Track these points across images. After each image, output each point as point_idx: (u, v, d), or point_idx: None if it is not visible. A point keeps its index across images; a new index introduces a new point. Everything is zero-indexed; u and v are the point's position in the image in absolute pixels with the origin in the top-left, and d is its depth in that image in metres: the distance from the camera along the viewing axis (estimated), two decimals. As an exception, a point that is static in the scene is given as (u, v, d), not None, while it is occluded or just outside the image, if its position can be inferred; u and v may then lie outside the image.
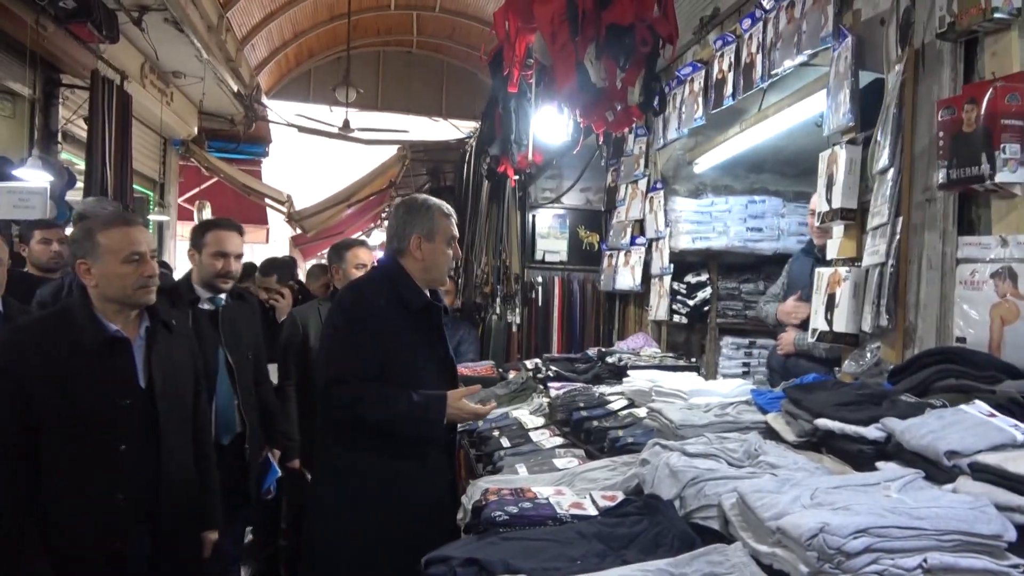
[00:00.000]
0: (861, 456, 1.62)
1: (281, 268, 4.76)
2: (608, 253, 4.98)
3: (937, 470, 1.44)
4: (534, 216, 6.60)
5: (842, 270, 2.52)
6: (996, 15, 1.88)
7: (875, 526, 1.19)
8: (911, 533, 1.20)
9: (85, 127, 6.22)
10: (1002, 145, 1.83)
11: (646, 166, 4.52)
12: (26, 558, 2.00)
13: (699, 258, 4.39)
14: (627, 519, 1.62)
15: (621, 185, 4.81)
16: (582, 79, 2.60)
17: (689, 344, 4.51)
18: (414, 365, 2.40)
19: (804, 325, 2.98)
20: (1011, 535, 1.21)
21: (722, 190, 4.47)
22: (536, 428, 2.83)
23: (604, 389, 3.24)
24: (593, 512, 1.74)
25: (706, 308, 4.34)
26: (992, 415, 1.53)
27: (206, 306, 3.08)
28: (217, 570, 2.87)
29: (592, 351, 4.09)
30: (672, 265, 4.27)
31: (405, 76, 11.71)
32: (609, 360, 3.71)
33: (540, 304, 6.39)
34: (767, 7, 3.14)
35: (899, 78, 2.27)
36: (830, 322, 2.54)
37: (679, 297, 4.30)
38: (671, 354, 3.94)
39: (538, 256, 6.62)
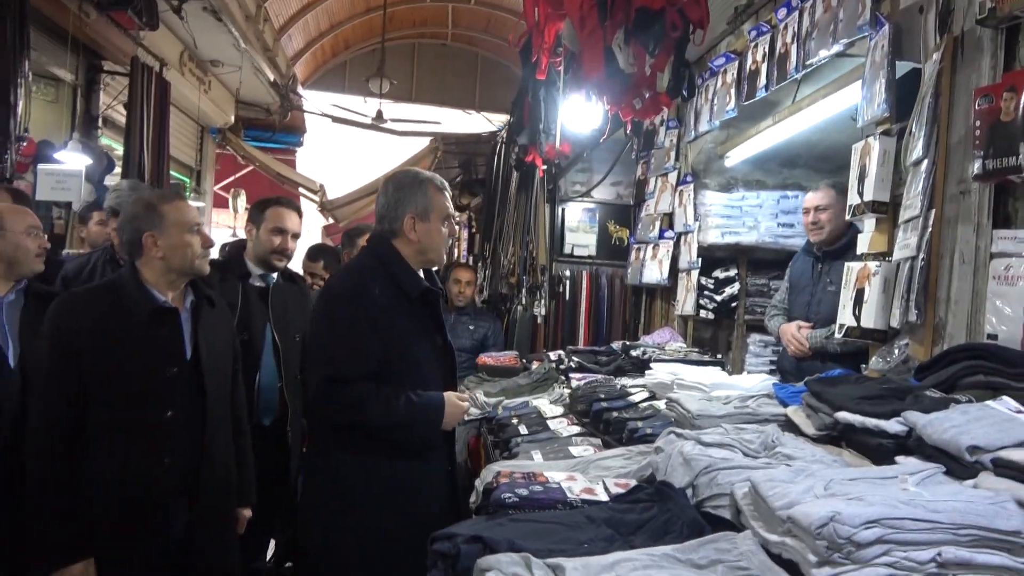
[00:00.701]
0: (881, 450, 1.57)
1: (328, 254, 4.78)
2: (636, 246, 4.93)
3: (958, 465, 1.40)
4: (563, 209, 6.58)
5: (872, 264, 2.45)
6: (1039, 0, 1.81)
7: (888, 517, 1.16)
8: (926, 526, 1.16)
9: (124, 113, 6.36)
10: (1041, 135, 1.76)
11: (676, 159, 4.46)
12: (64, 525, 2.06)
13: (728, 253, 4.32)
14: (637, 505, 1.60)
15: (651, 178, 4.76)
16: (611, 65, 2.57)
17: (716, 340, 4.45)
18: (413, 355, 2.27)
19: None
20: (1032, 532, 1.17)
21: (753, 184, 4.39)
22: (554, 417, 2.81)
23: (626, 381, 3.22)
24: (604, 498, 1.73)
25: (734, 304, 4.27)
26: (1019, 411, 1.48)
27: (257, 283, 3.08)
28: (250, 549, 2.91)
29: (617, 344, 4.05)
30: (700, 260, 4.21)
31: (439, 68, 11.75)
32: (633, 353, 3.68)
33: (568, 297, 6.38)
34: (803, -4, 3.07)
35: (936, 67, 2.20)
36: (858, 317, 2.48)
37: (706, 292, 4.25)
38: (696, 349, 3.89)
39: (567, 250, 6.60)
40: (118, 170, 6.19)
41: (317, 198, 10.57)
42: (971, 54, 2.10)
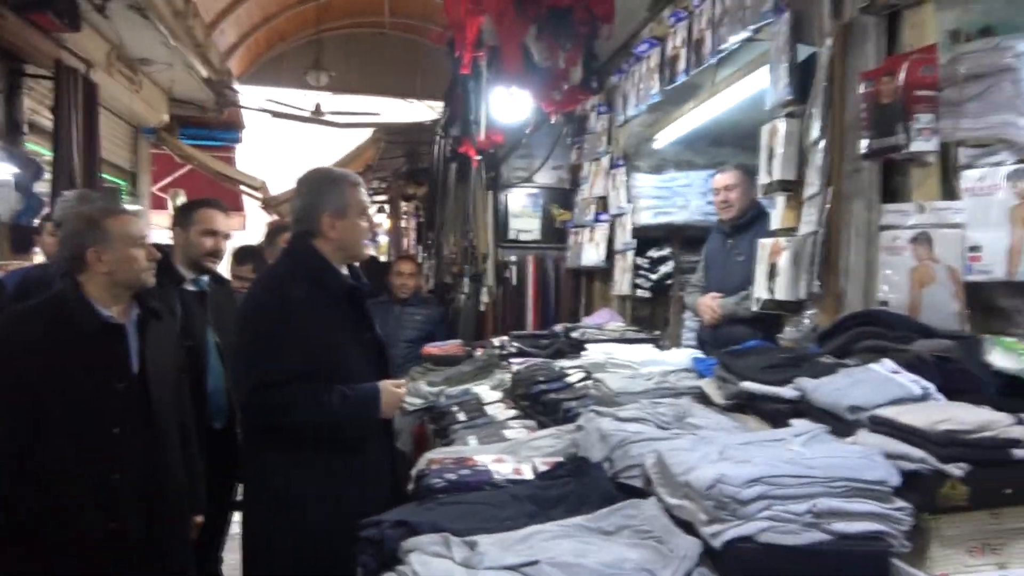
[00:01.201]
0: (778, 414, 1.70)
1: (256, 257, 4.73)
2: (574, 230, 5.05)
3: (841, 424, 1.53)
4: (506, 195, 6.65)
5: (782, 240, 2.59)
6: (911, -11, 1.94)
7: (769, 475, 1.28)
8: (803, 481, 1.29)
9: (51, 117, 6.18)
10: (916, 115, 1.90)
11: (608, 143, 4.57)
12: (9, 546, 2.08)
13: (661, 233, 4.46)
14: (558, 481, 1.71)
15: (585, 163, 4.87)
16: (528, 60, 2.65)
17: (654, 318, 4.60)
18: (343, 353, 2.27)
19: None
20: (895, 480, 1.30)
21: (684, 165, 4.53)
22: (493, 402, 2.90)
23: (565, 363, 3.32)
24: (531, 477, 1.83)
25: (669, 282, 4.42)
26: (896, 372, 1.62)
27: (191, 287, 3.07)
28: (204, 549, 2.93)
29: (559, 327, 4.16)
30: (635, 240, 4.35)
31: (378, 58, 11.63)
32: (573, 335, 3.79)
33: (515, 283, 6.47)
34: (715, -17, 3.19)
35: (829, 52, 2.33)
36: (772, 290, 2.63)
37: (642, 272, 4.38)
38: (634, 328, 4.02)
39: (511, 235, 6.68)
40: (48, 176, 6.02)
41: (260, 195, 10.43)
42: (858, 40, 2.23)
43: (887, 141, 1.97)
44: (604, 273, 4.76)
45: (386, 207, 12.13)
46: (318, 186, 2.34)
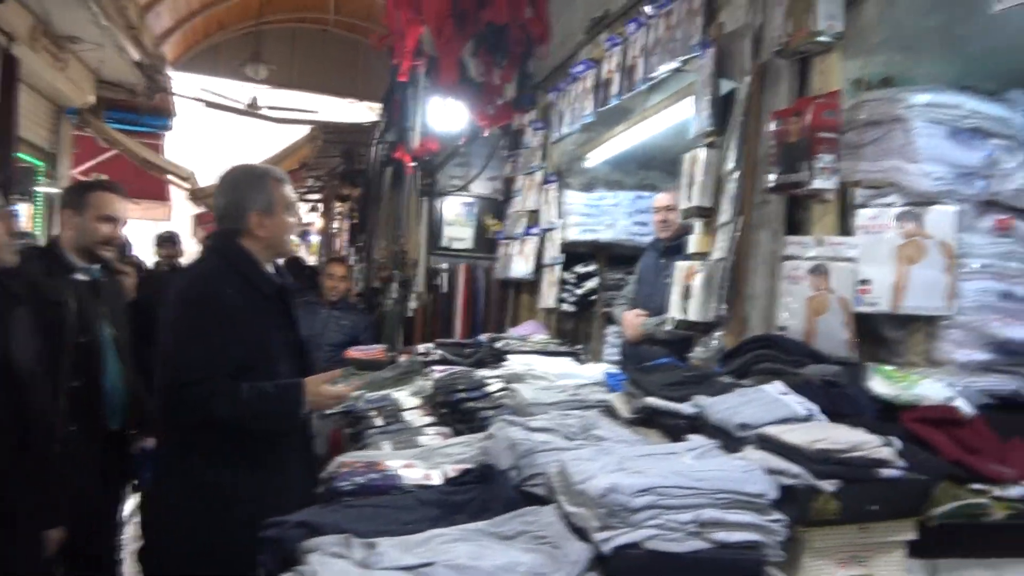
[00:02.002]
0: (676, 429, 1.80)
1: (176, 243, 4.54)
2: (504, 241, 5.11)
3: (731, 440, 1.63)
4: (442, 203, 6.68)
5: (696, 263, 2.72)
6: (819, 38, 2.09)
7: (658, 486, 1.36)
8: (689, 492, 1.37)
9: (-35, 90, 5.87)
10: (819, 155, 2.04)
11: (542, 159, 4.66)
12: None
13: (588, 249, 4.57)
14: (464, 488, 1.75)
15: (518, 176, 4.95)
16: (464, 73, 2.70)
17: (577, 332, 4.70)
18: (270, 353, 2.24)
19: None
20: (773, 494, 1.40)
21: (614, 185, 4.66)
22: (411, 408, 2.92)
23: (485, 372, 3.37)
24: (439, 483, 1.86)
25: (593, 298, 4.53)
26: (785, 393, 1.73)
27: (82, 276, 2.83)
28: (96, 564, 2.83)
29: (484, 337, 4.21)
30: (563, 255, 4.44)
31: (320, 55, 11.49)
32: (497, 346, 3.84)
33: (445, 291, 6.49)
34: (649, 13, 3.32)
35: (748, 89, 2.47)
36: (685, 311, 2.75)
37: (568, 286, 4.48)
38: (556, 341, 4.10)
39: (444, 243, 6.71)
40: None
41: (187, 185, 10.12)
42: (774, 80, 2.38)
43: (792, 177, 2.10)
44: (531, 286, 4.84)
45: (319, 206, 11.96)
46: (243, 183, 2.30)
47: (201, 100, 9.77)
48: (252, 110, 9.43)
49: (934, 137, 1.96)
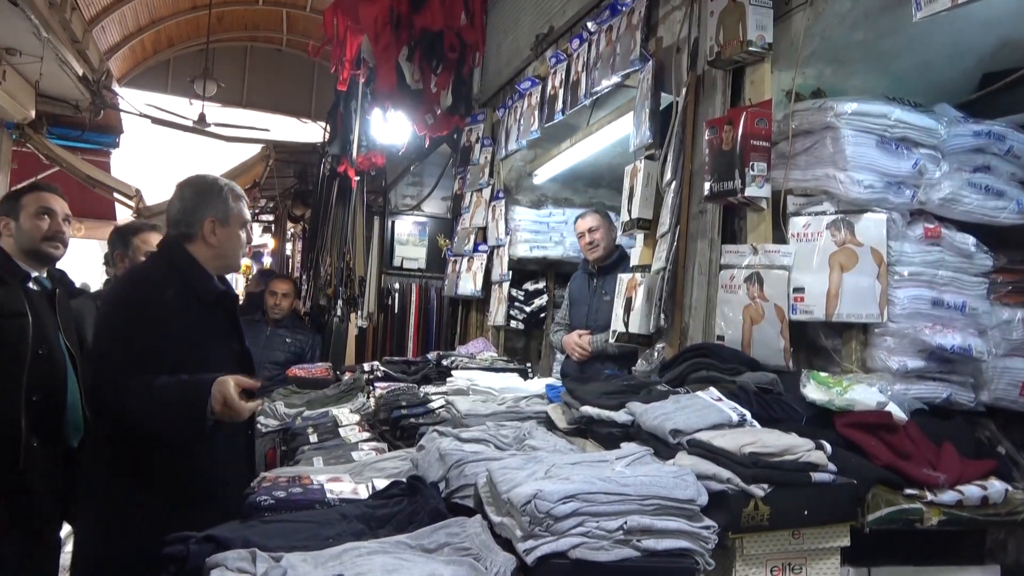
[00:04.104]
0: (611, 437, 1.75)
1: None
2: (452, 259, 5.06)
3: (664, 447, 1.59)
4: (393, 223, 6.62)
5: (638, 275, 2.70)
6: (751, 48, 2.10)
7: (583, 492, 1.31)
8: (616, 499, 1.32)
9: None
10: (751, 163, 2.05)
11: (490, 175, 4.64)
12: None
13: (537, 266, 4.55)
14: (390, 500, 1.67)
15: (467, 193, 4.92)
16: (401, 81, 2.66)
17: (527, 349, 4.66)
18: (207, 361, 2.13)
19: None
20: (703, 499, 1.36)
21: (562, 202, 4.66)
22: (348, 425, 2.83)
23: (430, 389, 3.30)
24: (365, 496, 1.78)
25: (542, 315, 4.50)
26: (719, 400, 1.70)
27: (34, 286, 2.70)
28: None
29: (432, 355, 4.14)
30: (511, 272, 4.41)
31: (273, 74, 11.38)
32: (444, 363, 3.77)
33: (397, 310, 6.40)
34: (592, 29, 3.34)
35: (683, 101, 2.49)
36: (627, 323, 2.72)
37: (517, 303, 4.44)
38: (504, 358, 4.05)
39: (396, 263, 6.64)
40: None
41: (133, 203, 9.83)
42: (708, 91, 2.40)
43: (726, 185, 2.10)
44: (481, 303, 4.79)
45: (272, 227, 11.75)
46: (202, 191, 2.27)
47: (148, 117, 9.55)
48: (200, 127, 9.24)
49: (863, 146, 1.98)
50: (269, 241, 12.69)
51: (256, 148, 9.78)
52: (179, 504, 2.05)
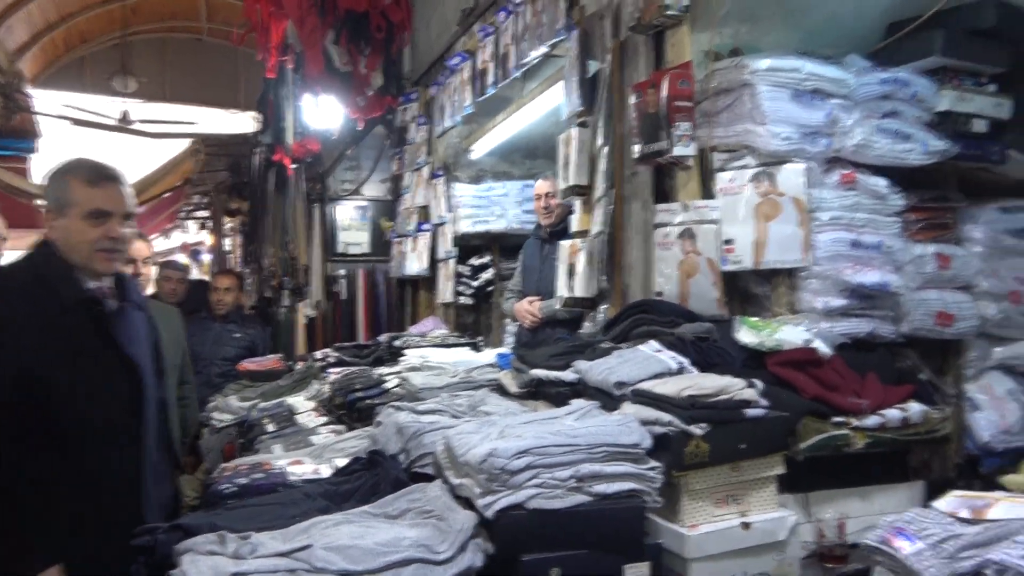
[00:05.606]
0: (560, 396, 1.83)
1: None
2: (397, 240, 5.07)
3: (610, 399, 1.68)
4: (334, 209, 6.55)
5: (578, 241, 2.78)
6: (668, 12, 2.18)
7: (536, 447, 1.38)
8: (567, 450, 1.40)
9: None
10: (677, 123, 2.13)
11: (428, 154, 4.65)
12: None
13: (482, 241, 4.59)
14: (352, 476, 1.72)
15: (406, 173, 4.91)
16: (329, 64, 2.65)
17: (478, 324, 4.71)
18: (60, 376, 1.86)
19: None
20: (647, 443, 1.45)
21: (501, 175, 4.70)
22: (304, 412, 2.85)
23: (383, 370, 3.33)
24: (328, 475, 1.82)
25: (490, 288, 4.55)
26: (659, 351, 1.79)
27: None
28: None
29: (383, 337, 4.15)
30: (457, 249, 4.44)
31: (195, 65, 10.99)
32: (396, 344, 3.80)
33: (345, 296, 6.36)
34: (517, 1, 3.37)
35: (610, 67, 2.55)
36: (572, 288, 2.80)
37: (464, 279, 4.48)
38: (456, 334, 4.10)
39: (340, 249, 6.58)
40: None
41: (59, 209, 9.45)
42: (632, 56, 2.46)
43: (654, 146, 2.18)
44: (428, 282, 4.82)
45: (208, 223, 11.48)
46: (49, 178, 2.01)
47: (66, 117, 9.17)
48: (124, 125, 8.93)
49: (778, 100, 2.08)
50: (207, 238, 12.40)
51: (186, 143, 9.51)
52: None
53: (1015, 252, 2.47)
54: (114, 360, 1.99)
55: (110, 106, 9.63)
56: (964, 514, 1.24)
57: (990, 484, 1.79)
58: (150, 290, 3.40)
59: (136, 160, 10.73)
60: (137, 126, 9.12)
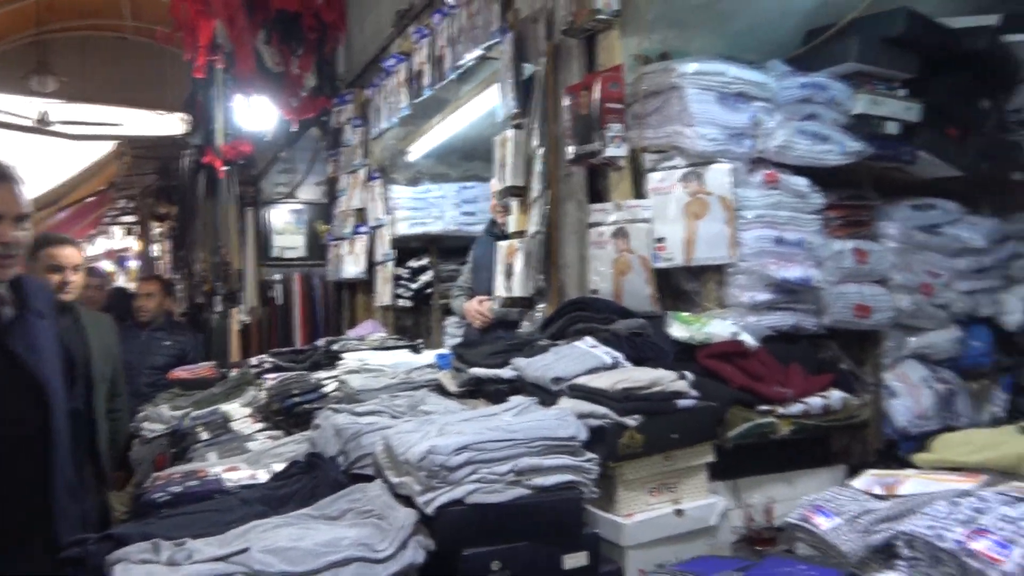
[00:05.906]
0: (499, 394, 1.85)
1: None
2: (333, 243, 5.01)
3: (548, 394, 1.71)
4: (268, 212, 6.42)
5: (516, 242, 2.81)
6: (599, 16, 2.23)
7: (474, 443, 1.39)
8: (505, 444, 1.42)
9: None
10: (608, 125, 2.18)
11: (364, 155, 4.61)
12: None
13: (420, 243, 4.58)
14: (290, 479, 1.70)
15: (342, 175, 4.86)
16: (261, 64, 2.61)
17: (417, 326, 4.69)
18: None
19: None
20: (583, 435, 1.48)
21: (438, 177, 4.70)
22: (240, 419, 2.79)
23: (321, 374, 3.28)
24: (265, 480, 1.79)
25: (429, 291, 4.54)
26: (595, 347, 1.84)
27: None
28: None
29: (321, 342, 4.10)
30: (394, 251, 4.42)
31: (118, 64, 10.57)
32: (334, 348, 3.75)
33: (281, 302, 6.24)
34: (451, 3, 3.38)
35: (544, 69, 2.59)
36: (510, 289, 2.83)
37: (402, 281, 4.46)
38: (395, 336, 4.08)
39: (275, 253, 6.45)
40: None
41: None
42: (565, 59, 2.51)
43: (587, 148, 2.23)
44: (366, 285, 4.78)
45: (135, 229, 11.08)
46: None
47: (-23, 119, 8.73)
48: (42, 126, 8.54)
49: (705, 102, 2.16)
50: (133, 243, 11.97)
51: (111, 145, 9.16)
52: None
53: (926, 247, 2.62)
54: (11, 372, 1.87)
55: (28, 106, 9.19)
56: (877, 491, 1.32)
57: (906, 467, 1.90)
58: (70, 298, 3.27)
59: (56, 163, 10.29)
60: (57, 127, 8.72)
